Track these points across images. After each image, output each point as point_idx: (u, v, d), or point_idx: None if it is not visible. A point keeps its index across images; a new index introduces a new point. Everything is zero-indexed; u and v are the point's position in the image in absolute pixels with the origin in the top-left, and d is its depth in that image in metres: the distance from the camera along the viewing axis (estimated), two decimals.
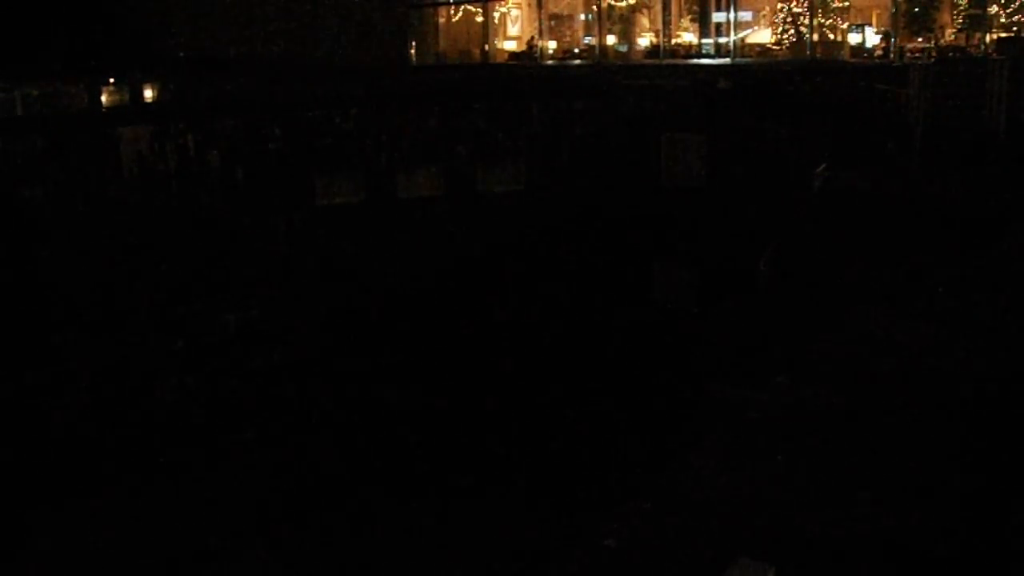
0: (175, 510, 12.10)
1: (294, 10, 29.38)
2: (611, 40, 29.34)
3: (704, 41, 27.76)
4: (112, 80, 23.17)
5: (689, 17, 30.26)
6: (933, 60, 20.32)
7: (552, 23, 31.20)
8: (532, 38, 30.73)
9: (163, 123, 18.17)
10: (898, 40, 24.10)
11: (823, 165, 15.19)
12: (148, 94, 23.65)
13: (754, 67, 23.01)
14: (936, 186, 13.51)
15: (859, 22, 26.19)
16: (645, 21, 30.93)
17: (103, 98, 22.47)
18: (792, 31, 26.53)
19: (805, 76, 19.71)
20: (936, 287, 8.72)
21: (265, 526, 11.74)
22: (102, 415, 14.19)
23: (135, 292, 15.88)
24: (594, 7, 29.43)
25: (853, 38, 25.44)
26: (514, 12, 32.40)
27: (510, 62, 30.14)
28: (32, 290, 15.52)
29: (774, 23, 27.54)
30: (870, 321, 7.91)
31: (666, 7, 28.23)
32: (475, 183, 19.46)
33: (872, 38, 25.27)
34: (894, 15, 24.62)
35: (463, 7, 31.49)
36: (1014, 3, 23.68)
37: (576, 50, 30.98)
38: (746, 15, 27.97)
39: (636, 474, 7.48)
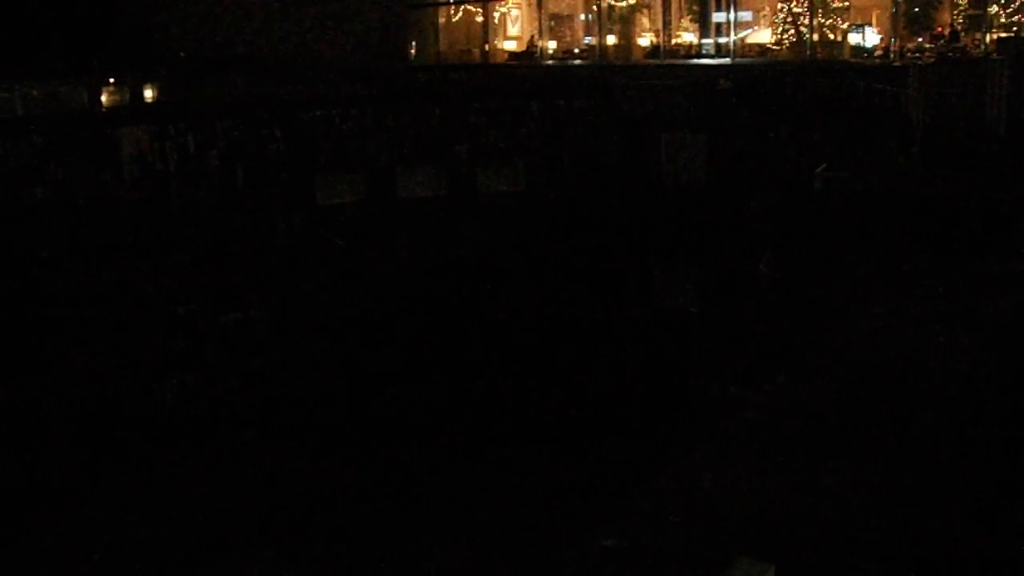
0: (175, 510, 12.11)
1: (294, 11, 29.41)
2: (611, 40, 29.34)
3: (704, 41, 27.76)
4: (112, 80, 23.19)
5: (689, 17, 30.25)
6: (933, 60, 20.34)
7: (552, 23, 31.18)
8: (532, 38, 30.73)
9: (163, 123, 18.14)
10: (898, 40, 24.11)
11: (823, 165, 15.19)
12: (148, 94, 23.67)
13: (754, 67, 23.02)
14: (936, 186, 13.51)
15: (859, 22, 26.20)
16: (645, 21, 30.91)
17: (103, 98, 22.49)
18: (792, 31, 26.53)
19: (805, 76, 19.71)
20: (936, 287, 8.73)
21: (265, 526, 11.74)
22: (102, 415, 14.20)
23: (135, 292, 15.88)
24: (594, 7, 29.43)
25: (853, 38, 25.44)
26: (514, 12, 32.38)
27: (510, 62, 30.13)
28: (32, 290, 15.51)
29: (774, 23, 27.54)
30: (870, 321, 7.91)
31: (666, 7, 28.22)
32: (475, 183, 19.45)
33: (872, 38, 25.27)
34: (894, 15, 24.63)
35: (463, 7, 31.48)
36: (1014, 3, 23.68)
37: (576, 50, 30.97)
38: (746, 15, 27.96)
39: (636, 474, 7.48)
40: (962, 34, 24.59)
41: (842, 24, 26.70)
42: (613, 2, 29.59)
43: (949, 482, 5.23)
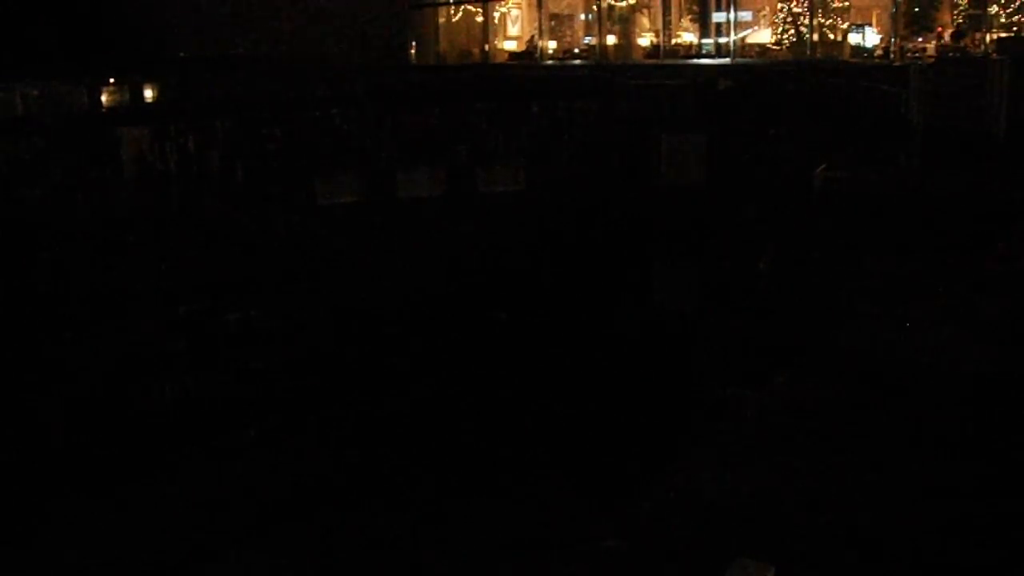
0: (175, 510, 12.10)
1: (294, 10, 29.40)
2: (611, 40, 29.33)
3: (704, 41, 27.77)
4: (112, 80, 23.16)
5: (689, 17, 30.26)
6: (933, 60, 20.33)
7: (552, 23, 31.19)
8: (532, 38, 30.73)
9: (163, 123, 18.13)
10: (898, 40, 24.11)
11: (823, 165, 15.19)
12: (148, 94, 23.63)
13: (754, 67, 23.01)
14: (936, 186, 13.50)
15: (859, 22, 26.20)
16: (645, 21, 30.92)
17: (103, 98, 22.44)
18: (792, 31, 26.53)
19: (805, 76, 19.70)
20: (936, 287, 8.73)
21: (265, 526, 11.74)
22: (102, 415, 14.19)
23: (135, 292, 15.88)
24: (594, 7, 29.43)
25: (853, 38, 25.44)
26: (514, 12, 32.39)
27: (510, 62, 30.14)
28: (32, 290, 15.51)
29: (774, 23, 27.55)
30: (869, 321, 7.92)
31: (666, 7, 28.24)
32: (475, 183, 19.43)
33: (872, 38, 25.26)
34: (894, 15, 24.63)
35: (463, 7, 31.48)
36: (1014, 3, 23.68)
37: (576, 50, 30.97)
38: (746, 15, 27.97)
39: (636, 474, 7.49)
40: (952, 34, 24.61)
41: (842, 24, 26.69)
42: (613, 2, 29.58)
43: (950, 482, 5.23)
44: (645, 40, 29.95)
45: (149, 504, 12.32)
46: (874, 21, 26.40)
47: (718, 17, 27.61)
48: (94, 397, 14.49)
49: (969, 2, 24.77)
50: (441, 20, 31.88)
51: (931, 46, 24.13)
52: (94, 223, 16.78)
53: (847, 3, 26.82)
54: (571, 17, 32.57)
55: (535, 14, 30.55)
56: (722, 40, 26.72)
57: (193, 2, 29.92)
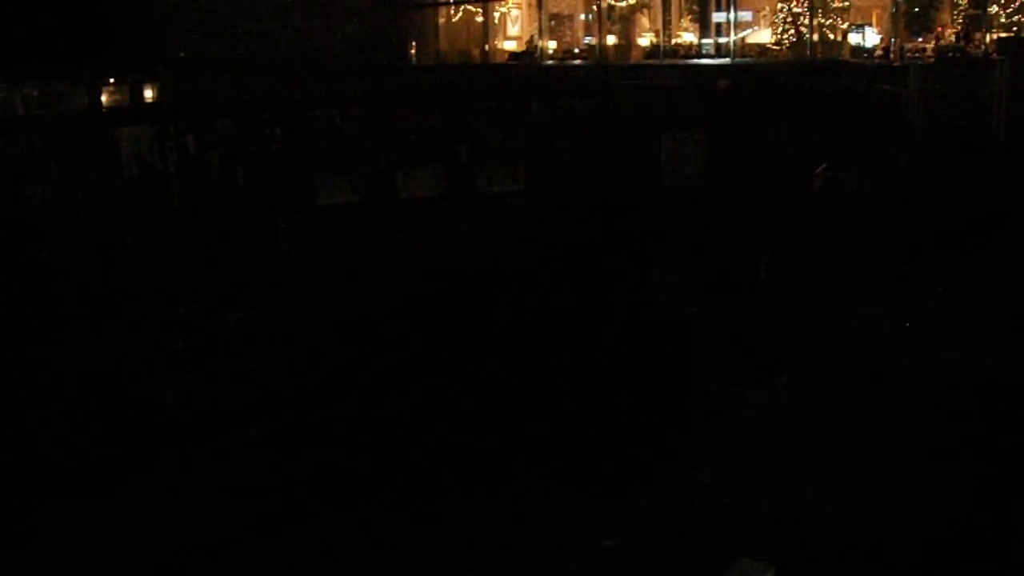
0: (175, 509, 12.11)
1: (294, 10, 29.40)
2: (611, 40, 29.32)
3: (704, 41, 27.75)
4: (112, 80, 23.17)
5: (689, 17, 30.24)
6: (933, 60, 20.33)
7: (552, 23, 31.17)
8: (532, 38, 30.72)
9: (163, 123, 18.13)
10: (898, 40, 24.11)
11: (823, 165, 15.18)
12: (148, 94, 23.64)
13: (754, 67, 23.01)
14: (936, 186, 13.50)
15: (859, 22, 26.19)
16: (645, 21, 30.90)
17: (103, 98, 22.45)
18: (792, 31, 26.52)
19: (805, 76, 19.69)
20: (936, 286, 8.72)
21: (265, 526, 11.74)
22: (102, 414, 14.19)
23: (135, 292, 15.88)
24: (594, 7, 29.42)
25: (853, 38, 25.43)
26: (514, 12, 32.37)
27: (510, 62, 30.12)
28: (32, 290, 15.51)
29: (774, 23, 27.53)
30: (869, 320, 7.91)
31: (666, 7, 28.22)
32: (475, 183, 19.43)
33: (872, 38, 25.25)
34: (894, 15, 24.63)
35: (463, 7, 31.46)
36: (1014, 3, 23.68)
37: (576, 50, 30.95)
38: (746, 15, 27.95)
39: (636, 473, 7.49)
40: (962, 34, 24.58)
41: (842, 24, 26.68)
42: (613, 2, 29.57)
43: (949, 481, 5.23)
44: (645, 40, 29.93)
45: (149, 504, 12.33)
46: (874, 21, 26.38)
47: (718, 17, 27.59)
48: (94, 397, 14.48)
49: (969, 2, 24.75)
50: (441, 20, 31.85)
51: (931, 46, 24.11)
52: (94, 223, 16.77)
53: (847, 3, 26.81)
54: (571, 17, 32.54)
55: (535, 14, 30.54)
56: (722, 40, 26.70)
57: (194, 2, 29.93)
